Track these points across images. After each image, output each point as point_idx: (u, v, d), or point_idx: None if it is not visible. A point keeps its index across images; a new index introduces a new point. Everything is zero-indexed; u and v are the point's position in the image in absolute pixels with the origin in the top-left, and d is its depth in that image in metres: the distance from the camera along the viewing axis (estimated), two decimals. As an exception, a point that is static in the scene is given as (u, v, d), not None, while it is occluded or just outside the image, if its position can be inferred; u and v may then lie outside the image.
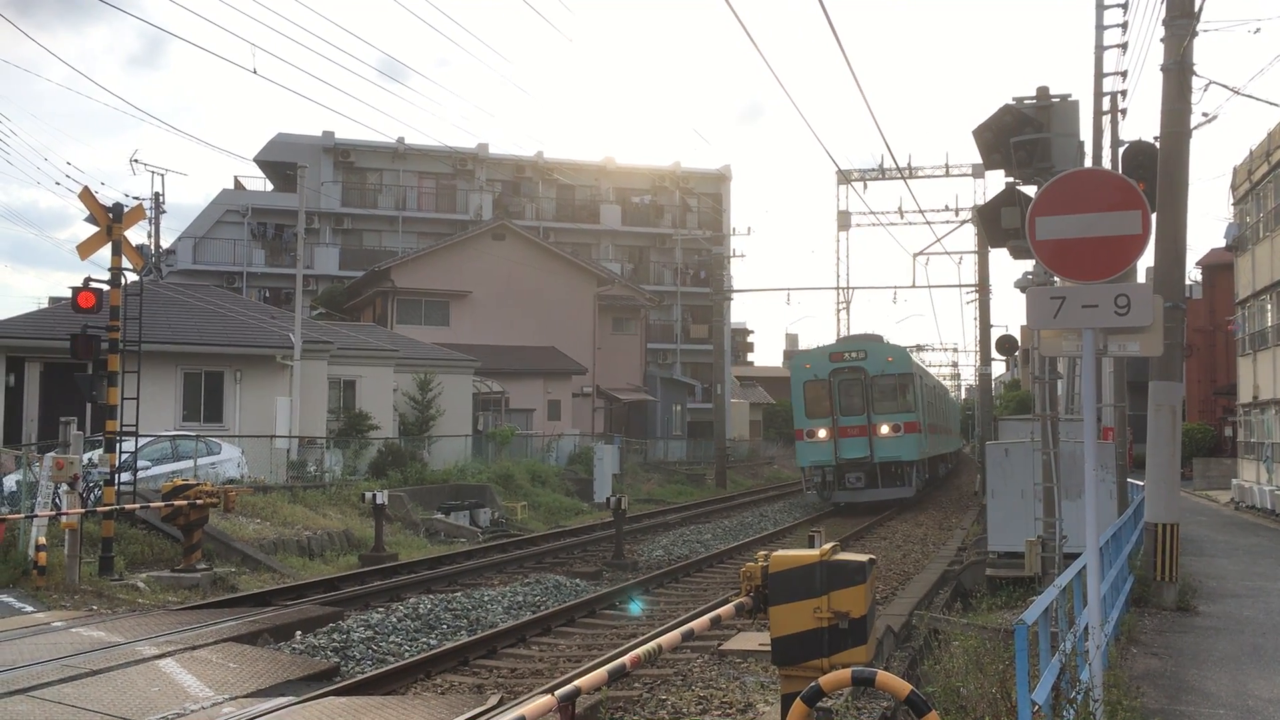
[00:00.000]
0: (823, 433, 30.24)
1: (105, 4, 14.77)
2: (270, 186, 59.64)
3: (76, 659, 10.03)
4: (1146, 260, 13.56)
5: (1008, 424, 23.22)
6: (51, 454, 16.21)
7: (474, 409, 38.67)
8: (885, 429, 30.11)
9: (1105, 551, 9.49)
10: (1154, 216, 10.43)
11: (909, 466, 30.54)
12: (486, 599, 14.60)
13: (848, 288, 56.69)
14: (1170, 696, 8.43)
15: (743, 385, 77.23)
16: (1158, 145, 13.97)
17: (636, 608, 14.18)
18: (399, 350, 34.65)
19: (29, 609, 13.28)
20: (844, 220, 58.95)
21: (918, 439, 30.61)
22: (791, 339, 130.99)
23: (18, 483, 17.81)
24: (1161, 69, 13.38)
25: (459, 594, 14.95)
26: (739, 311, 75.58)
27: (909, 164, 53.10)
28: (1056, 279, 8.51)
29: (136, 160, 54.92)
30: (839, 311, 68.92)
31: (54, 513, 15.16)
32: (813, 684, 4.58)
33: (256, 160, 57.54)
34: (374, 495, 19.51)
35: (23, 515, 15.79)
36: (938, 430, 38.03)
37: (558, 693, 4.62)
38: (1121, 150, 17.72)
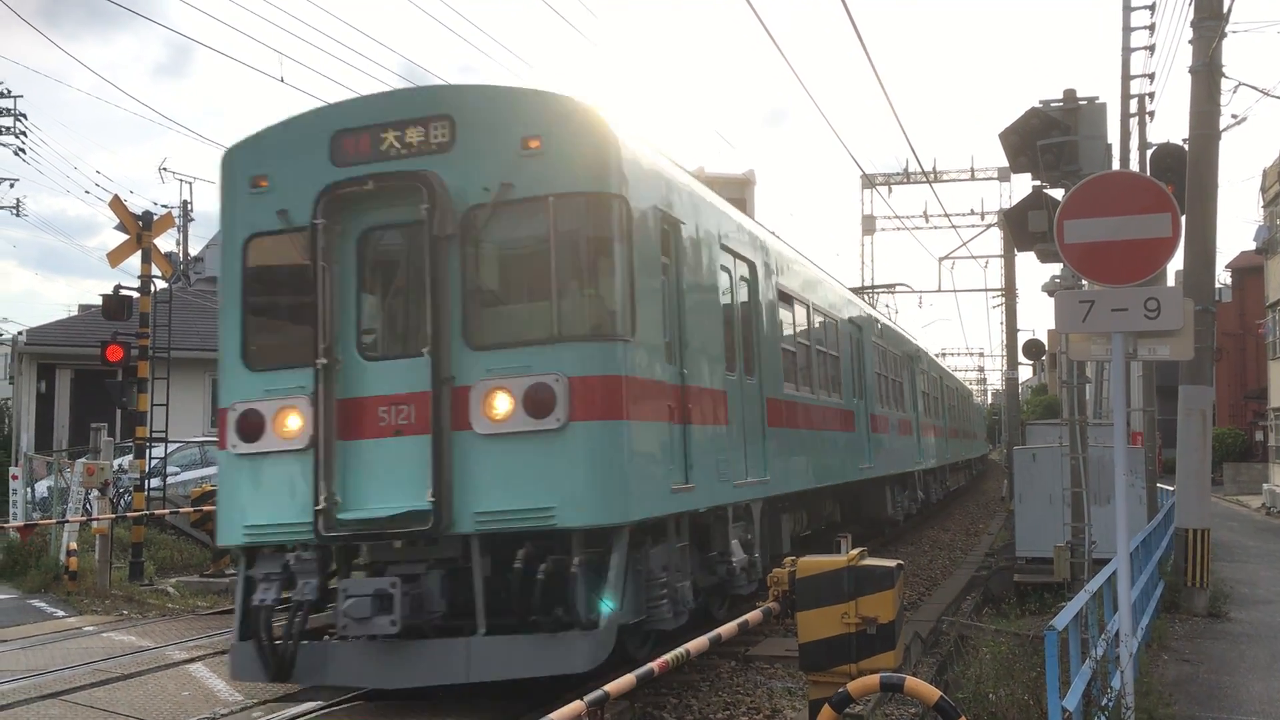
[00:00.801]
0: (293, 422, 8.13)
1: (133, 14, 14.85)
2: (297, 194, 59.90)
3: (108, 663, 10.12)
4: (1175, 263, 13.45)
5: (1035, 429, 23.13)
6: (82, 460, 16.37)
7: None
8: (501, 404, 7.73)
9: (1135, 557, 9.41)
10: (1183, 219, 10.36)
11: (601, 554, 7.75)
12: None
13: (873, 289, 56.51)
14: (1203, 703, 8.35)
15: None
16: (1186, 147, 13.87)
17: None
18: (424, 356, 34.72)
19: (61, 613, 13.41)
20: (869, 224, 58.75)
21: (662, 438, 8.50)
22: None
23: (49, 488, 18.02)
24: (1190, 71, 13.28)
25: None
26: (763, 316, 75.30)
27: (934, 167, 52.88)
28: (1085, 282, 8.47)
29: (165, 169, 55.38)
30: (864, 316, 68.40)
31: (85, 518, 15.30)
32: (841, 689, 4.58)
33: (283, 168, 57.78)
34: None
35: (54, 521, 15.97)
36: (855, 424, 16.49)
37: (587, 698, 4.63)
38: (1150, 153, 17.62)
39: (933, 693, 4.40)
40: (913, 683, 4.46)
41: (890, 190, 54.72)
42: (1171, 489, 15.46)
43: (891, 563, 6.50)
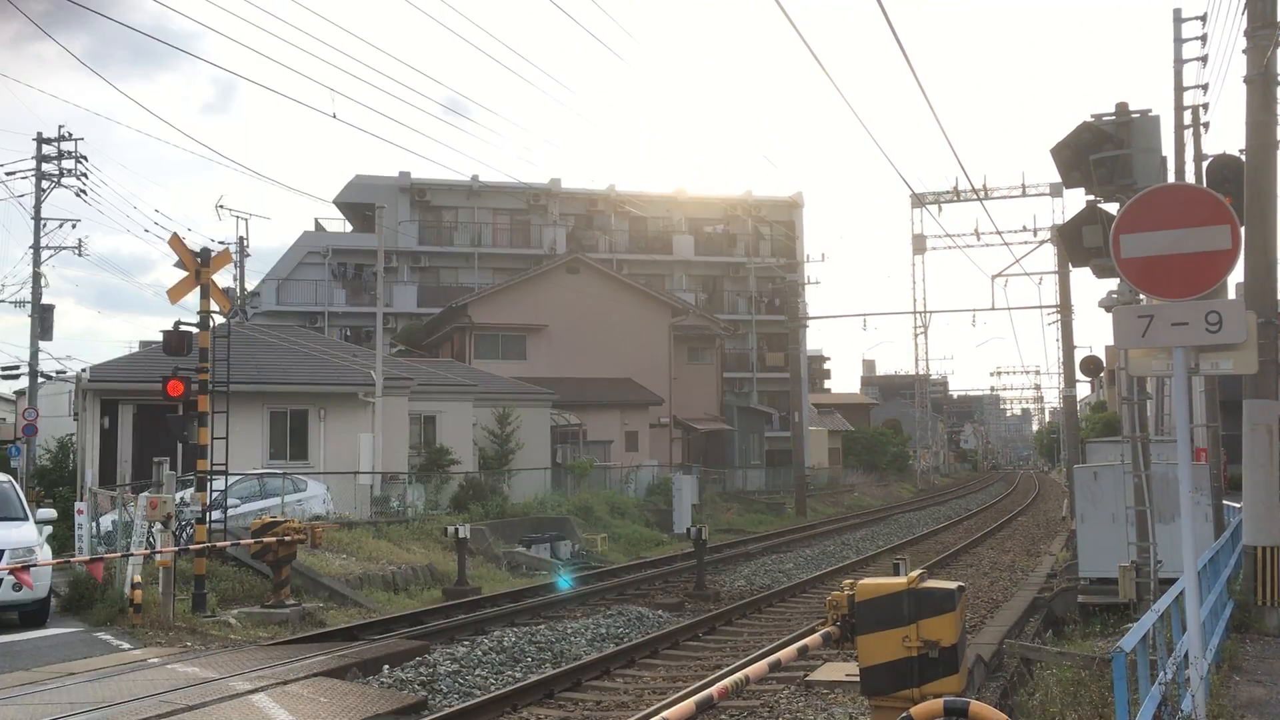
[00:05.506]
0: None
1: (181, 52, 15.18)
2: (349, 227, 60.91)
3: (173, 694, 10.25)
4: (1236, 276, 13.20)
5: (1095, 447, 22.71)
6: (146, 494, 16.64)
7: (552, 441, 38.92)
8: None
9: (1203, 576, 9.21)
10: (1243, 230, 10.19)
11: None
12: (569, 631, 14.63)
13: (925, 311, 56.11)
14: (1278, 726, 8.12)
15: (820, 412, 76.70)
16: (1243, 158, 13.65)
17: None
18: (477, 385, 35.02)
19: (126, 646, 13.62)
20: (919, 244, 58.45)
21: None
22: (869, 364, 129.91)
23: (113, 523, 18.33)
24: (1245, 80, 13.08)
25: (542, 626, 15.00)
26: (815, 339, 75.39)
27: (984, 185, 52.53)
28: (1143, 297, 8.35)
29: (221, 206, 56.39)
30: (916, 336, 68.08)
31: (149, 551, 15.54)
32: (903, 714, 4.52)
33: (336, 202, 58.83)
34: (456, 529, 19.69)
35: (119, 554, 16.23)
36: None
37: (647, 725, 4.61)
38: (1206, 164, 17.35)
39: (999, 717, 4.32)
40: (977, 707, 4.39)
41: (940, 209, 54.44)
42: (1238, 506, 15.13)
43: (952, 584, 6.41)
